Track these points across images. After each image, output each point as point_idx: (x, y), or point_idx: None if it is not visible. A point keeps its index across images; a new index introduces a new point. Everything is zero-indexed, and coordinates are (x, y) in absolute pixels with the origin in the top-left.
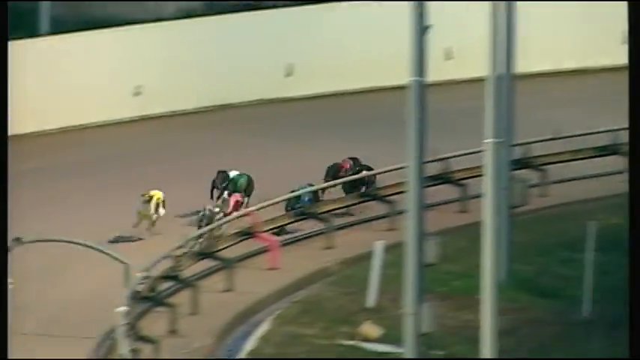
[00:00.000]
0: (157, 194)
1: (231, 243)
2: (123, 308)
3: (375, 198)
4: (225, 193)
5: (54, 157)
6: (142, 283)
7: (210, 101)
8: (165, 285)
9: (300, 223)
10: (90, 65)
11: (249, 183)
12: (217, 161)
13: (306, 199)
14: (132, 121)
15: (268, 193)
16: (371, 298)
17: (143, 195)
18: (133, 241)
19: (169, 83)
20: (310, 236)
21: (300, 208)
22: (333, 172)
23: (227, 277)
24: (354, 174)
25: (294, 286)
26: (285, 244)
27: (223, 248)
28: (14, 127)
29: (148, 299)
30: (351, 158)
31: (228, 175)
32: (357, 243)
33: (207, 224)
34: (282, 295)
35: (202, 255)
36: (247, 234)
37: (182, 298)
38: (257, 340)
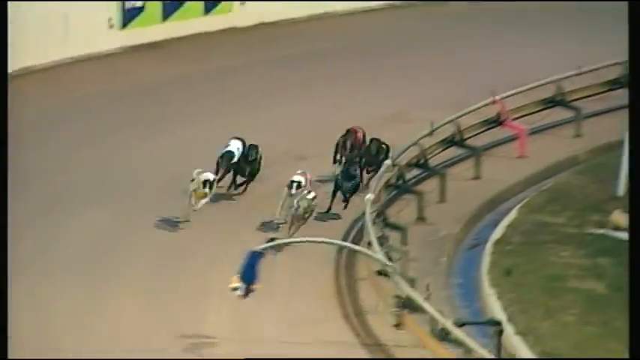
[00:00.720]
0: (208, 176)
1: (479, 131)
2: (371, 195)
3: (625, 86)
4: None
5: (302, 45)
6: (391, 171)
7: None
8: (414, 173)
9: (548, 110)
10: None
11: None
12: (470, 51)
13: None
14: (380, 10)
15: (516, 82)
16: (621, 187)
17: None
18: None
19: None
20: (559, 124)
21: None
22: (351, 140)
23: (475, 165)
24: (363, 144)
25: (542, 175)
26: (534, 132)
27: (471, 136)
28: (264, 16)
29: (396, 187)
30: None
31: (232, 155)
32: (606, 131)
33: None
34: (530, 183)
35: (450, 143)
36: (495, 122)
37: (430, 185)
38: (504, 228)
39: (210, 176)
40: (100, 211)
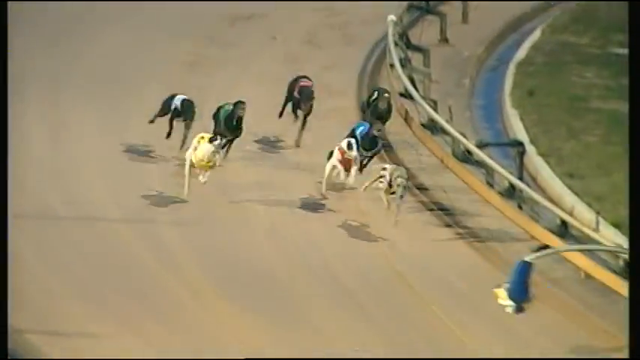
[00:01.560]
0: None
1: None
2: (392, 17)
3: None
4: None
5: None
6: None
7: None
8: None
9: None
10: None
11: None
12: None
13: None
14: None
15: None
16: None
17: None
18: None
19: None
20: None
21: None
22: (306, 94)
23: None
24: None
25: None
26: None
27: None
28: None
29: (418, 8)
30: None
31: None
32: None
33: None
34: (554, 2)
35: None
36: None
37: (453, 6)
38: (527, 49)
39: (219, 138)
40: (121, 31)
